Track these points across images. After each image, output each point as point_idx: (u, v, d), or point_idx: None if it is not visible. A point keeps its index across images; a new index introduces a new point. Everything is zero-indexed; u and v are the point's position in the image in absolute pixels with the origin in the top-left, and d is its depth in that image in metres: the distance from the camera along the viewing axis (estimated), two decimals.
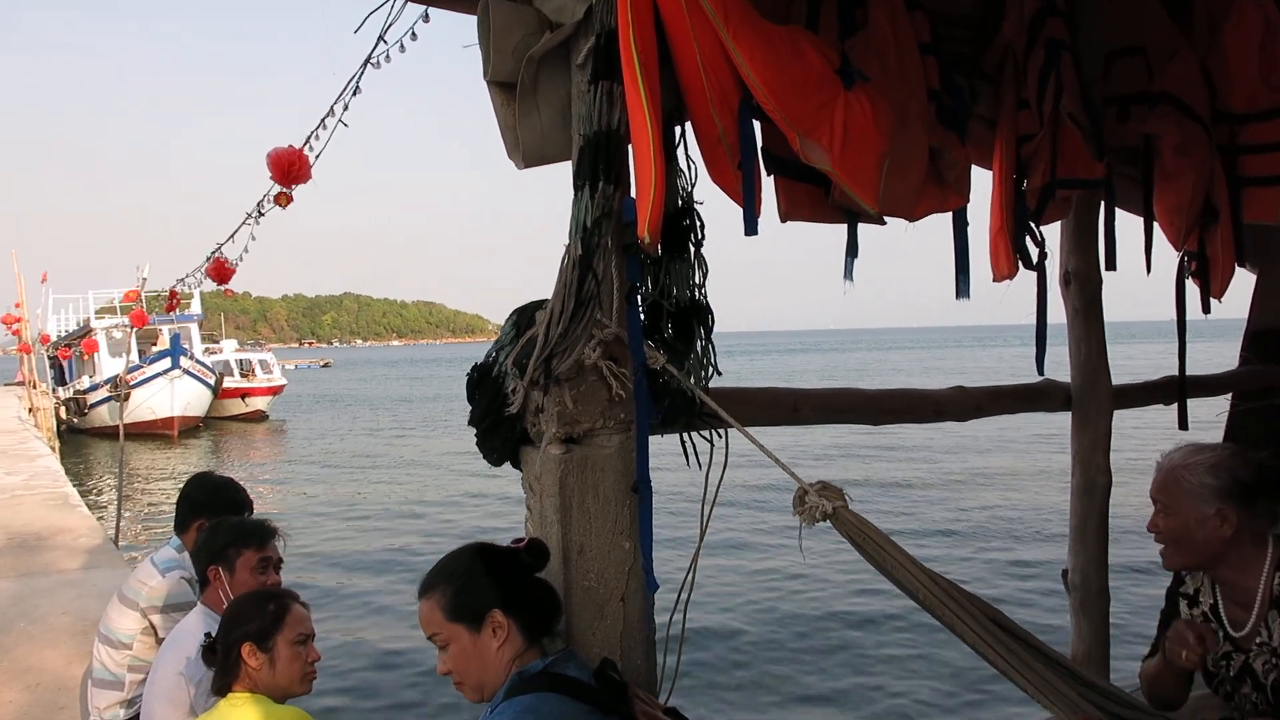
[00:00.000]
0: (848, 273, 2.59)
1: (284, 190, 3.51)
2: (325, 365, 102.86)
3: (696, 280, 2.26)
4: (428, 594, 1.96)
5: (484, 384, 2.20)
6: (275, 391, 41.22)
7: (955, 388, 3.13)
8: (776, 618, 9.18)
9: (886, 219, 2.60)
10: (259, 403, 39.88)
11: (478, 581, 1.93)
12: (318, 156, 3.39)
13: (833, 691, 7.22)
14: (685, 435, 2.34)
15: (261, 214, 3.74)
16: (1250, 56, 3.50)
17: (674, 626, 2.26)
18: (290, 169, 3.31)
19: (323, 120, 3.31)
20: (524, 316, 2.17)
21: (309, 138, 3.39)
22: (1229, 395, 4.26)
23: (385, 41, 3.01)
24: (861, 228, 2.62)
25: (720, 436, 2.33)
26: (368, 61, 3.07)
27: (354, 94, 3.25)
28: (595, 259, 2.02)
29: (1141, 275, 3.46)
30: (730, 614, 9.27)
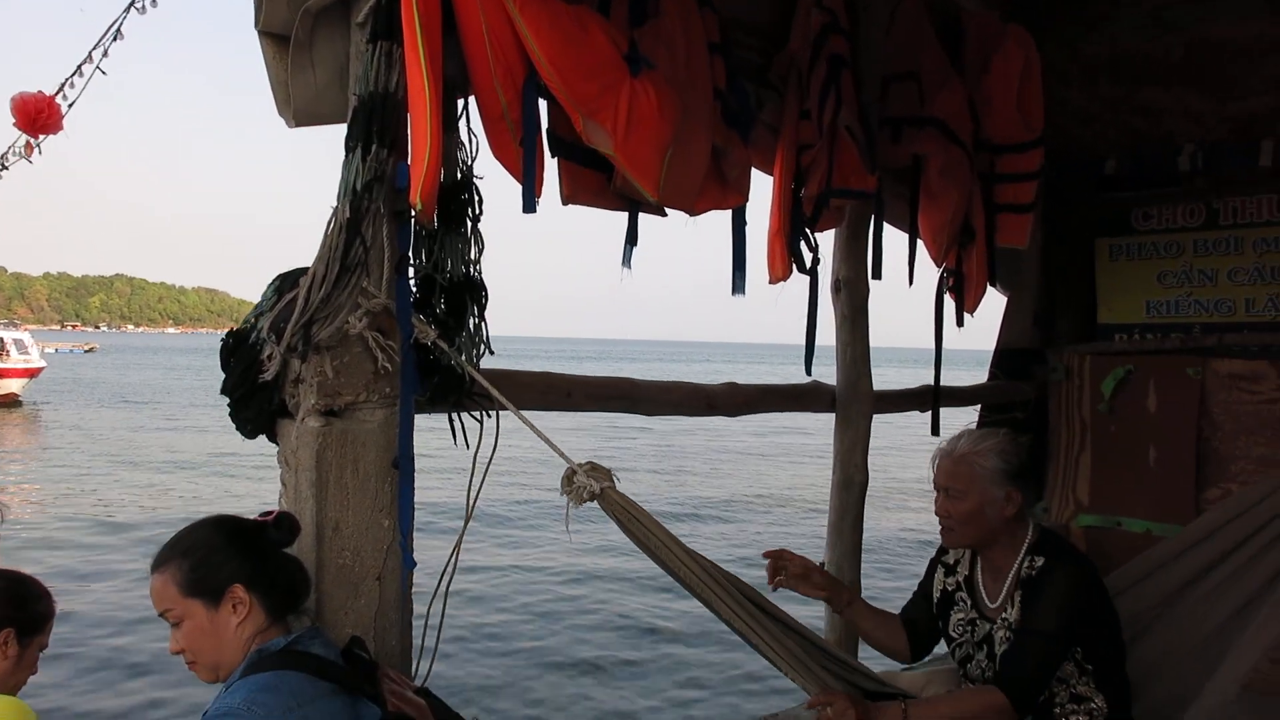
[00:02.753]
0: (626, 260, 2.61)
1: (30, 140, 3.20)
2: (89, 350, 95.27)
3: (472, 256, 2.22)
4: (162, 567, 1.82)
5: (239, 350, 2.07)
6: (32, 374, 37.78)
7: (727, 384, 3.21)
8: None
9: (668, 211, 2.65)
10: (12, 385, 36.45)
11: (218, 555, 1.81)
12: (70, 105, 3.11)
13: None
14: (454, 415, 2.29)
15: (5, 167, 3.39)
16: (1010, 93, 3.80)
17: (436, 606, 2.21)
18: (37, 117, 3.01)
19: (78, 67, 3.04)
20: (286, 281, 2.06)
21: (62, 85, 3.10)
22: (978, 406, 4.59)
23: None
24: (643, 219, 2.65)
25: (490, 417, 2.29)
26: (131, 5, 2.85)
27: (115, 39, 3.00)
28: (364, 224, 1.94)
29: (905, 287, 3.68)
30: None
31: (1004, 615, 2.53)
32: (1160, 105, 4.41)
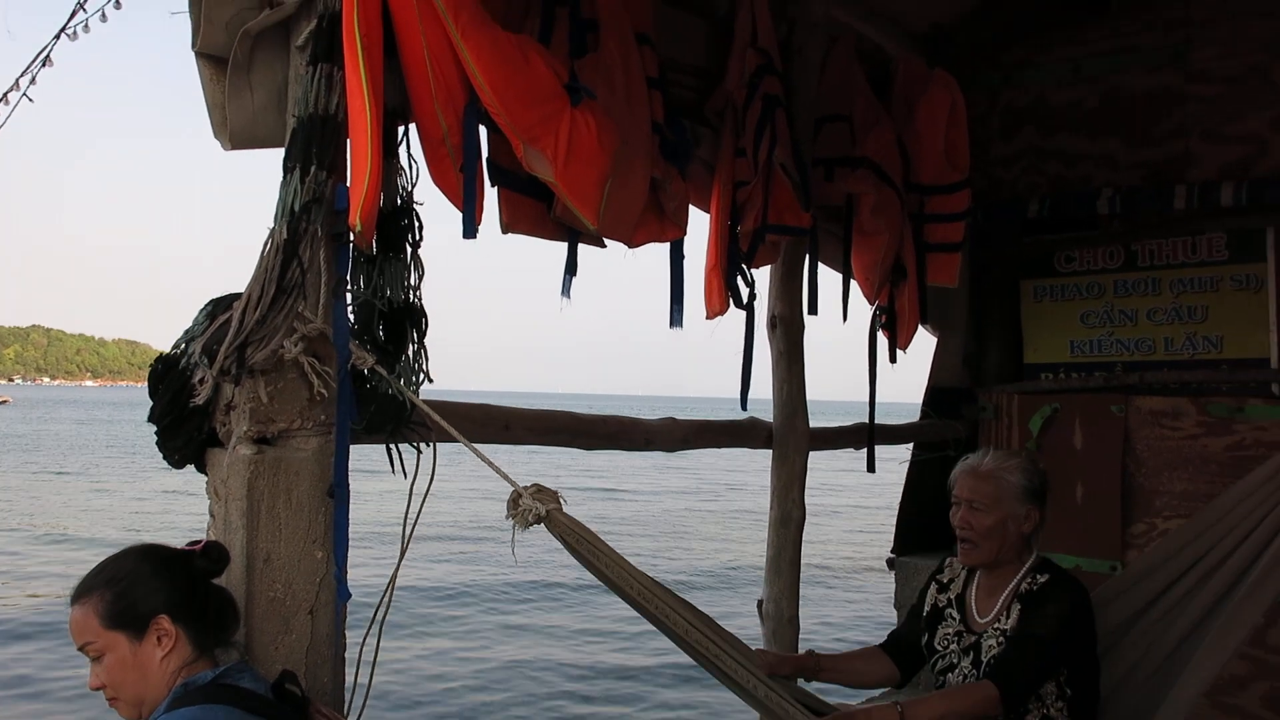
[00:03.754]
0: (565, 290, 2.61)
1: None
2: (2, 402, 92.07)
3: (412, 282, 2.19)
4: (83, 598, 1.74)
5: (168, 376, 2.01)
6: None
7: (666, 419, 3.21)
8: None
9: (607, 242, 2.66)
10: None
11: (143, 585, 1.73)
12: None
13: None
14: (392, 444, 2.24)
15: None
16: (938, 135, 3.91)
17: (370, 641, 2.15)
18: None
19: (4, 95, 2.96)
20: (219, 305, 2.01)
21: None
22: (911, 445, 4.65)
23: (85, 10, 2.76)
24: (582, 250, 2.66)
25: (429, 446, 2.25)
26: (62, 31, 2.79)
27: (43, 65, 2.94)
28: (301, 245, 1.91)
29: (841, 324, 3.74)
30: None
31: (996, 625, 2.54)
32: (1078, 151, 4.58)
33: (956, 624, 2.65)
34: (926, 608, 2.77)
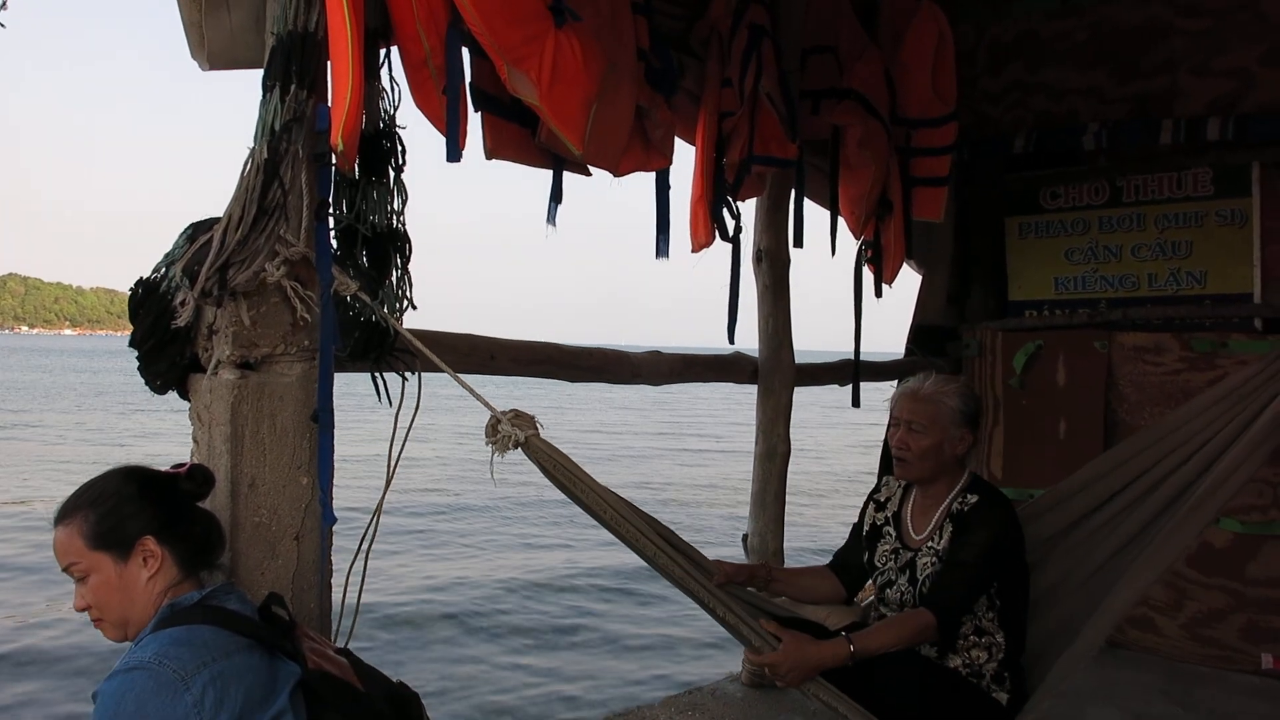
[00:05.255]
0: (550, 218, 2.59)
1: None
2: None
3: (396, 207, 2.17)
4: (67, 519, 1.73)
5: (149, 300, 1.98)
6: None
7: (651, 352, 3.21)
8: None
9: (592, 170, 2.63)
10: None
11: (128, 505, 1.72)
12: None
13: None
14: (377, 373, 2.23)
15: None
16: (925, 67, 3.87)
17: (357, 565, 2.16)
18: None
19: None
20: (200, 228, 1.98)
21: None
22: (895, 381, 4.66)
23: None
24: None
25: (414, 375, 2.24)
26: None
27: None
28: (282, 166, 1.88)
29: (828, 259, 3.73)
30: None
31: (930, 544, 2.66)
32: (1065, 85, 4.55)
33: (893, 541, 2.78)
34: (866, 526, 2.89)
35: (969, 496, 2.64)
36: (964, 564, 2.54)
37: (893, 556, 2.76)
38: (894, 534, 2.80)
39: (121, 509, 1.71)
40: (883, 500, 2.89)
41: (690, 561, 2.43)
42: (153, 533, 1.71)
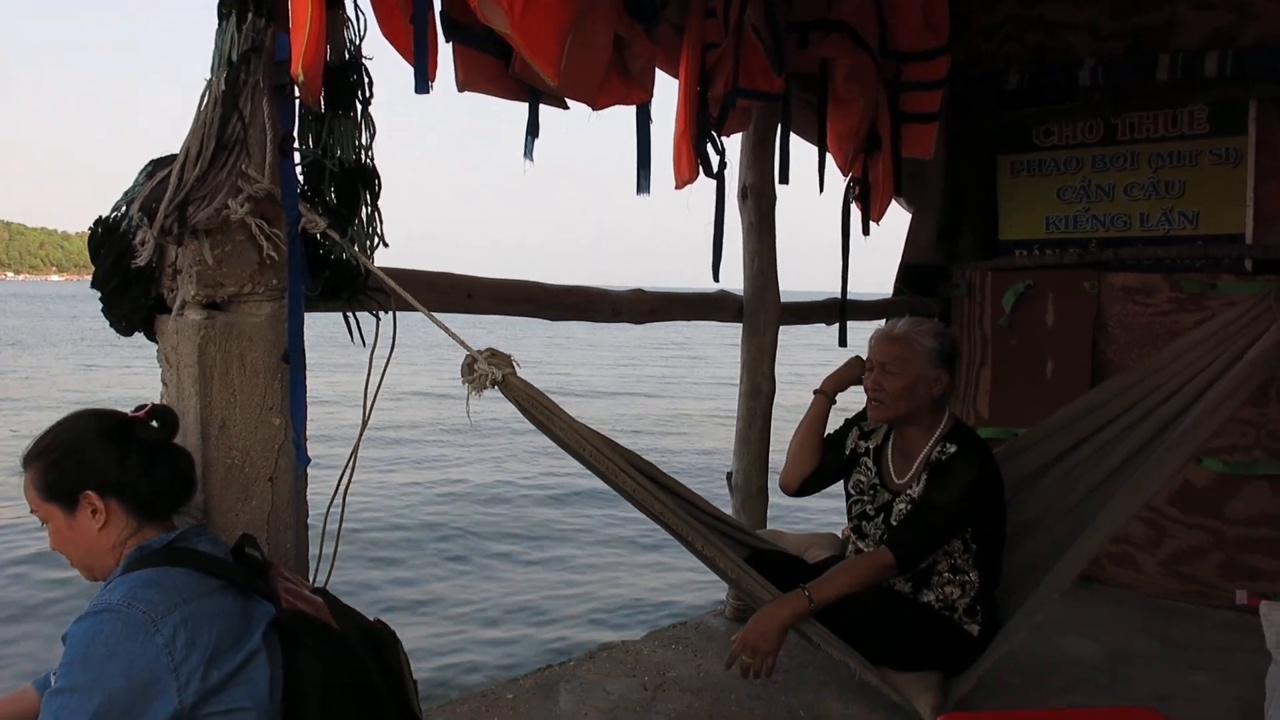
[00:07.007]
0: (527, 152, 2.53)
1: None
2: None
3: (363, 141, 2.10)
4: (27, 467, 1.71)
5: (109, 239, 1.94)
6: None
7: (634, 290, 3.16)
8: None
9: (570, 103, 2.56)
10: None
11: (77, 456, 1.69)
12: None
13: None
14: (349, 313, 2.19)
15: None
16: None
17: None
18: None
19: None
20: (159, 164, 1.92)
21: None
22: (883, 320, 4.63)
23: None
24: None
25: (387, 314, 2.20)
26: None
27: None
28: (241, 98, 1.82)
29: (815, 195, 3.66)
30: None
31: (908, 492, 2.70)
32: (1060, 19, 4.45)
33: (872, 475, 2.82)
34: (847, 450, 2.94)
35: (948, 446, 2.65)
36: (934, 508, 2.57)
37: (870, 492, 2.80)
38: (874, 469, 2.82)
39: (68, 460, 1.69)
40: (868, 430, 2.91)
41: (671, 495, 2.45)
42: (95, 487, 1.68)
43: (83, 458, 1.69)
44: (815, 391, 3.00)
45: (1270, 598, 3.38)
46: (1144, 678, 3.22)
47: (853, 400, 2.97)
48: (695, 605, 5.42)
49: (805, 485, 2.96)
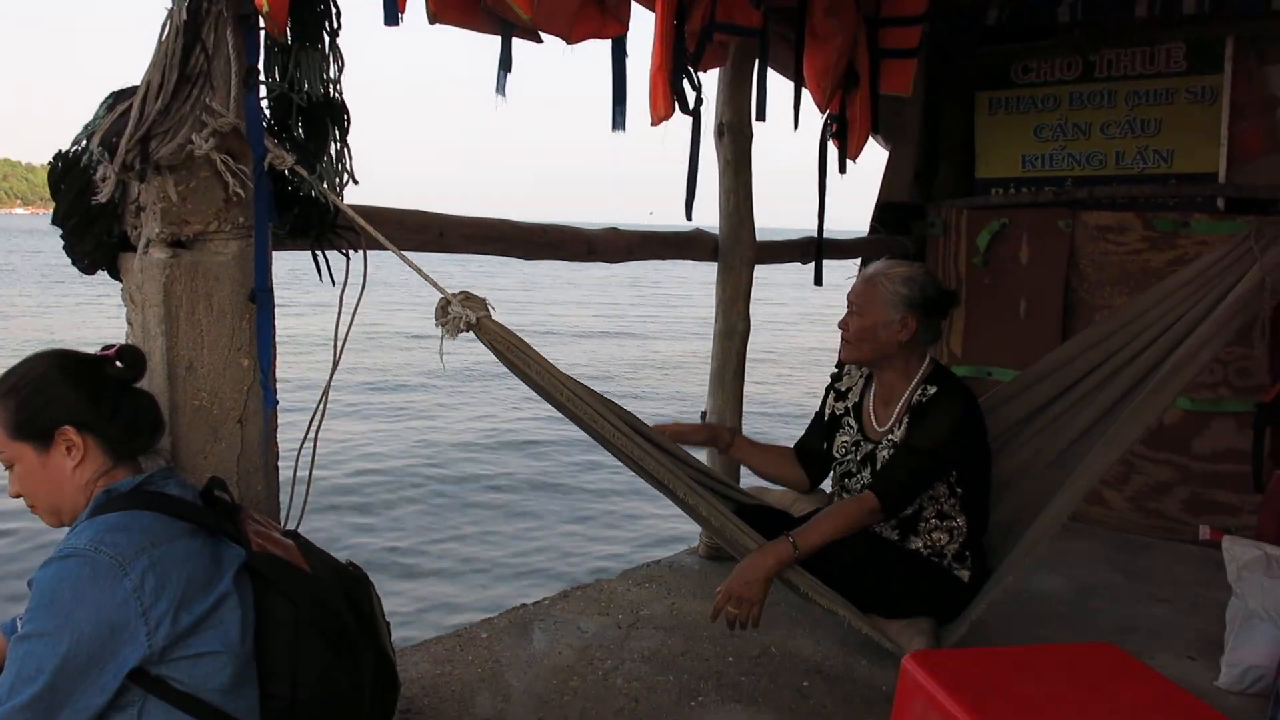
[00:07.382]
0: (500, 87, 2.47)
1: None
2: None
3: (332, 74, 2.04)
4: None
5: (70, 175, 1.88)
6: None
7: (609, 228, 3.12)
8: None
9: (543, 37, 2.50)
10: None
11: (48, 393, 1.65)
12: None
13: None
14: (319, 252, 2.14)
15: None
16: None
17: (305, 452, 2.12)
18: None
19: None
20: (120, 97, 1.86)
21: None
22: (859, 260, 4.62)
23: None
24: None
25: (356, 252, 2.16)
26: None
27: None
28: (204, 28, 1.76)
29: (790, 133, 3.62)
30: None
31: (890, 438, 2.66)
32: None
33: (854, 433, 2.78)
34: (826, 415, 2.89)
35: (928, 388, 2.62)
36: (915, 450, 2.54)
37: (854, 448, 2.76)
38: (855, 425, 2.78)
39: (40, 397, 1.65)
40: (843, 390, 2.87)
41: (649, 442, 2.41)
42: (72, 422, 1.65)
43: (58, 393, 1.65)
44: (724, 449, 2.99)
45: (1232, 532, 3.46)
46: (1109, 611, 3.29)
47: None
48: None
49: (813, 475, 2.91)
